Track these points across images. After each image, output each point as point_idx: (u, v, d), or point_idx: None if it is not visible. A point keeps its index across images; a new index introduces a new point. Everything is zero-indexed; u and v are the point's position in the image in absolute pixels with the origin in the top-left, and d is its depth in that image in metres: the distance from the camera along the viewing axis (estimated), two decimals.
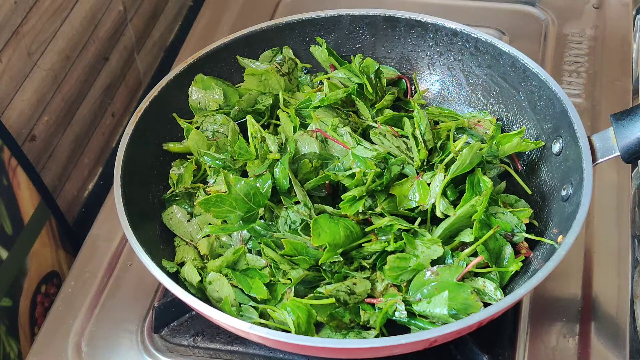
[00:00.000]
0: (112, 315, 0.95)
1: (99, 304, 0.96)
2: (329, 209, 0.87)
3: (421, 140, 0.91)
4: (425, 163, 0.91)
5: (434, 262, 0.84)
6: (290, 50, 1.05)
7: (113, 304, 0.96)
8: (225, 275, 0.86)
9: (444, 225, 0.86)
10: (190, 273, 0.86)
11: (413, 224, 0.87)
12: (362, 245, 0.86)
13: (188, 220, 0.93)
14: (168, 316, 0.92)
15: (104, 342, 0.93)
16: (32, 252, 1.01)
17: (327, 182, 0.89)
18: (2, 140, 0.95)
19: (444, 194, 0.88)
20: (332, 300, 0.80)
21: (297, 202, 0.87)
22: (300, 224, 0.86)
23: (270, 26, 1.04)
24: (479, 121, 0.99)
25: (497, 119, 1.00)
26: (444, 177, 0.87)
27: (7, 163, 0.96)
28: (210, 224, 0.92)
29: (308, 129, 0.94)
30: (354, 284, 0.82)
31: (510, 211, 0.87)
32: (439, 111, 0.99)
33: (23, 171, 0.99)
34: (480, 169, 0.89)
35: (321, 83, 1.03)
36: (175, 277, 0.86)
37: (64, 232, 1.08)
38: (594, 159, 0.85)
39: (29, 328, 1.01)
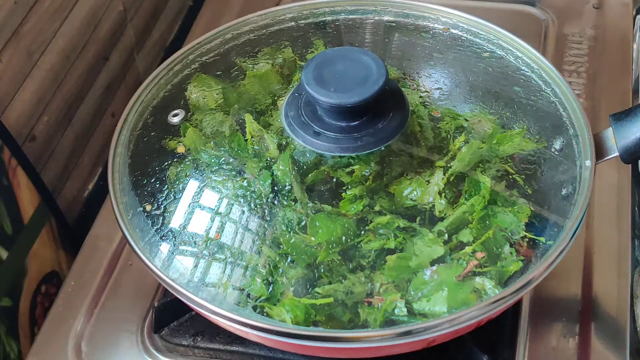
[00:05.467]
0: (112, 315, 0.95)
1: (99, 304, 0.96)
2: (327, 207, 0.87)
3: (420, 138, 0.91)
4: (424, 161, 0.91)
5: (433, 262, 0.84)
6: (290, 51, 1.05)
7: (113, 304, 0.96)
8: None
9: (442, 224, 0.85)
10: None
11: (412, 222, 0.87)
12: (361, 243, 0.86)
13: None
14: (168, 316, 0.92)
15: (104, 342, 0.93)
16: (32, 252, 1.01)
17: (327, 173, 0.89)
18: (2, 140, 0.95)
19: (442, 193, 0.88)
20: (331, 299, 0.80)
21: (295, 201, 0.87)
22: (298, 223, 0.86)
23: None
24: (479, 120, 0.99)
25: (497, 118, 1.00)
26: (443, 176, 0.87)
27: (7, 163, 0.96)
28: None
29: None
30: (353, 284, 0.82)
31: (509, 211, 0.87)
32: (440, 110, 0.99)
33: (23, 171, 0.99)
34: (479, 168, 0.89)
35: None
36: None
37: (64, 232, 1.08)
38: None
39: (29, 328, 1.01)
